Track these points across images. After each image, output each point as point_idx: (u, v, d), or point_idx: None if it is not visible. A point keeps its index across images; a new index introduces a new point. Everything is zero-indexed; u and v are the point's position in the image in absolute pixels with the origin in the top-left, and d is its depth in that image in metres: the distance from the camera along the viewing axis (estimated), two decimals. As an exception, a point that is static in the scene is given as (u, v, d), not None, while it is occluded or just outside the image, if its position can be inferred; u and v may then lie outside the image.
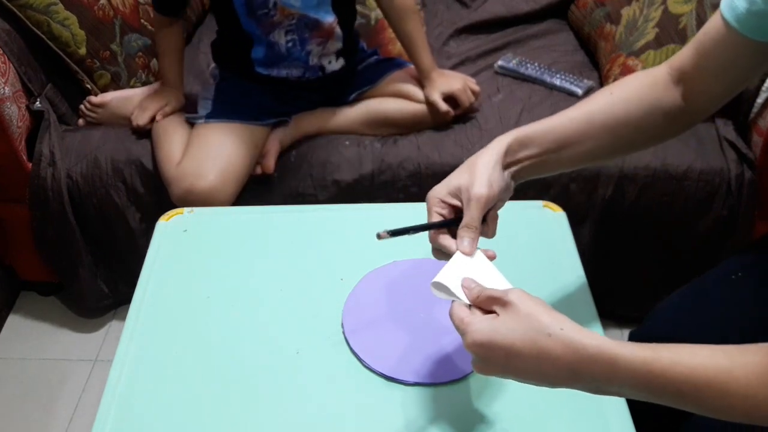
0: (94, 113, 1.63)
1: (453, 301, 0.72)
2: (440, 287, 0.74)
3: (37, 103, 1.55)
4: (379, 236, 0.76)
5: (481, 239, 0.80)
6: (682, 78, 0.84)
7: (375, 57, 1.69)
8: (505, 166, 0.82)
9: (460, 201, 0.80)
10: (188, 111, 1.60)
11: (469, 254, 0.77)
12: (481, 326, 0.65)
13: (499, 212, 0.82)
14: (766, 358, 0.60)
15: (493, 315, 0.67)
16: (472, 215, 0.77)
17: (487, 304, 0.69)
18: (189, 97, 1.70)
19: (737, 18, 0.77)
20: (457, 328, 0.69)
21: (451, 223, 0.80)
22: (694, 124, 0.88)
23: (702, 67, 0.82)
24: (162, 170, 1.50)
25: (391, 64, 1.67)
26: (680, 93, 0.84)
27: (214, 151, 1.46)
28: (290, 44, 1.49)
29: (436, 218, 0.80)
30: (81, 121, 1.65)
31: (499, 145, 0.82)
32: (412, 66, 1.63)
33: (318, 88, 1.59)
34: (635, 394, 0.62)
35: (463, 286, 0.73)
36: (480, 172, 0.79)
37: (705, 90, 0.83)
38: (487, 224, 0.81)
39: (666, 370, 0.60)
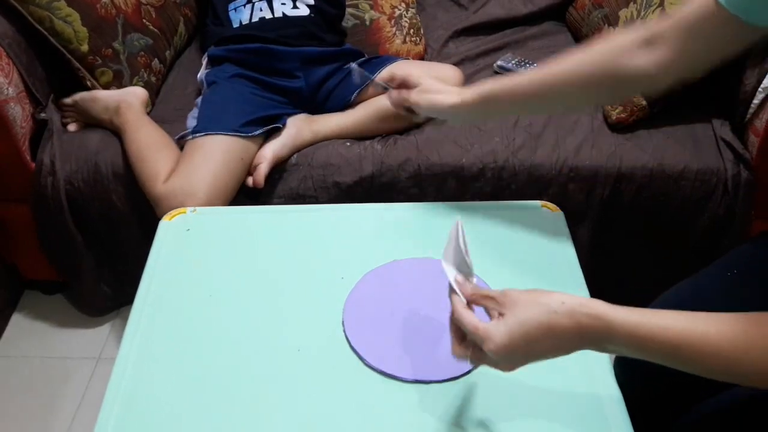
0: (70, 112, 1.62)
1: (456, 306, 0.76)
2: (446, 264, 0.81)
3: (42, 114, 1.57)
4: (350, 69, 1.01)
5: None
6: (652, 38, 0.87)
7: (363, 58, 1.71)
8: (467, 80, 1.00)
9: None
10: (180, 129, 1.56)
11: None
12: (497, 330, 0.71)
13: (497, 212, 0.86)
14: (738, 324, 0.67)
15: (500, 318, 0.72)
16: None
17: (482, 300, 0.75)
18: (190, 106, 1.68)
19: None
20: (472, 335, 0.73)
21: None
22: (661, 86, 0.91)
23: (681, 38, 0.85)
24: (146, 188, 1.44)
25: (384, 58, 1.70)
26: (651, 57, 0.87)
27: (202, 167, 1.41)
28: None
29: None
30: (71, 127, 1.62)
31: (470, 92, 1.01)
32: (406, 59, 1.69)
33: (287, 26, 1.65)
34: (632, 352, 0.70)
35: (457, 283, 0.78)
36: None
37: (678, 60, 0.86)
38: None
39: (652, 334, 0.68)
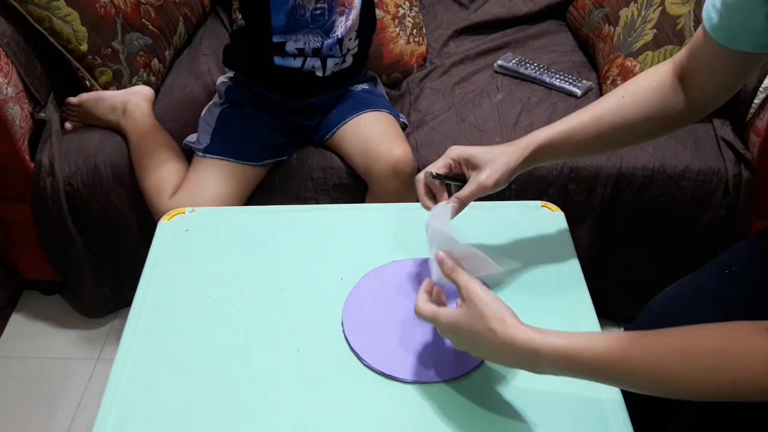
0: (74, 113, 1.61)
1: (418, 297, 0.83)
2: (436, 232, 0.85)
3: (41, 113, 1.57)
4: (425, 173, 0.94)
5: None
6: (682, 74, 0.89)
7: (363, 86, 1.63)
8: (522, 166, 0.94)
9: (467, 170, 0.94)
10: (186, 132, 1.56)
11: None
12: (447, 317, 0.79)
13: (498, 212, 0.87)
14: (659, 341, 0.69)
15: (457, 309, 0.79)
16: (466, 193, 0.92)
17: (452, 281, 0.81)
18: (189, 106, 1.67)
19: (711, 26, 0.81)
20: (430, 320, 0.81)
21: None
22: (694, 120, 0.93)
23: (694, 66, 0.87)
24: (152, 202, 1.46)
25: (366, 101, 1.59)
26: (682, 89, 0.89)
27: (210, 188, 1.43)
28: (318, 12, 1.46)
29: (442, 165, 0.95)
30: (67, 125, 1.62)
31: (526, 151, 0.94)
32: (384, 112, 1.58)
33: (328, 80, 1.53)
34: (559, 374, 0.73)
35: (437, 260, 0.83)
36: (497, 168, 0.92)
37: (700, 87, 0.88)
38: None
39: (578, 356, 0.71)
